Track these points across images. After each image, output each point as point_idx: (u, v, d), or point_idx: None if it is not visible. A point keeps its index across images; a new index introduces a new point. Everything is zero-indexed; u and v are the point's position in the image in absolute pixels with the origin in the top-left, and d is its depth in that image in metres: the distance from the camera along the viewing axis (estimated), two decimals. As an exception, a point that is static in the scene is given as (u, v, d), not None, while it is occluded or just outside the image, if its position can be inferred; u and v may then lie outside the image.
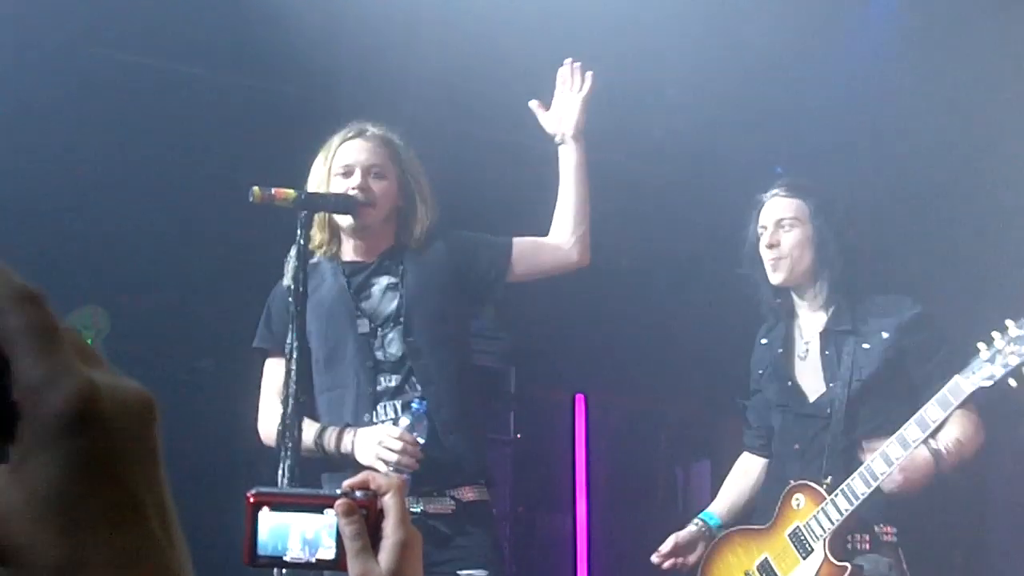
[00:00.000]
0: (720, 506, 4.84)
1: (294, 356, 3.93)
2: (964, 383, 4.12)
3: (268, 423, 4.33)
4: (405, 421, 4.08)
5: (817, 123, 5.88)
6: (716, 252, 6.26)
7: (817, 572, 4.34)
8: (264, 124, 5.83)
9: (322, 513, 1.63)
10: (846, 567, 4.29)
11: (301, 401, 3.90)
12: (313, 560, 1.63)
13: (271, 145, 5.65)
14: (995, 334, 4.12)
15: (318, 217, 4.31)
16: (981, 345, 4.13)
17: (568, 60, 4.53)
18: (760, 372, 4.78)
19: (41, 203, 5.66)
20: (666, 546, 4.74)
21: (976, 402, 4.27)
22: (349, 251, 4.45)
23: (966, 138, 5.63)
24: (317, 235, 4.40)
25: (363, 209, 4.26)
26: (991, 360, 4.10)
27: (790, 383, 4.61)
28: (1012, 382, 4.08)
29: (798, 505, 4.42)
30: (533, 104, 4.53)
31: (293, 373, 3.93)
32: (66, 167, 5.70)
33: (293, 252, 4.06)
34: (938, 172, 5.74)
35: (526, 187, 5.72)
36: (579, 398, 6.49)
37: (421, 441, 4.04)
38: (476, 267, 4.42)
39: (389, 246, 4.42)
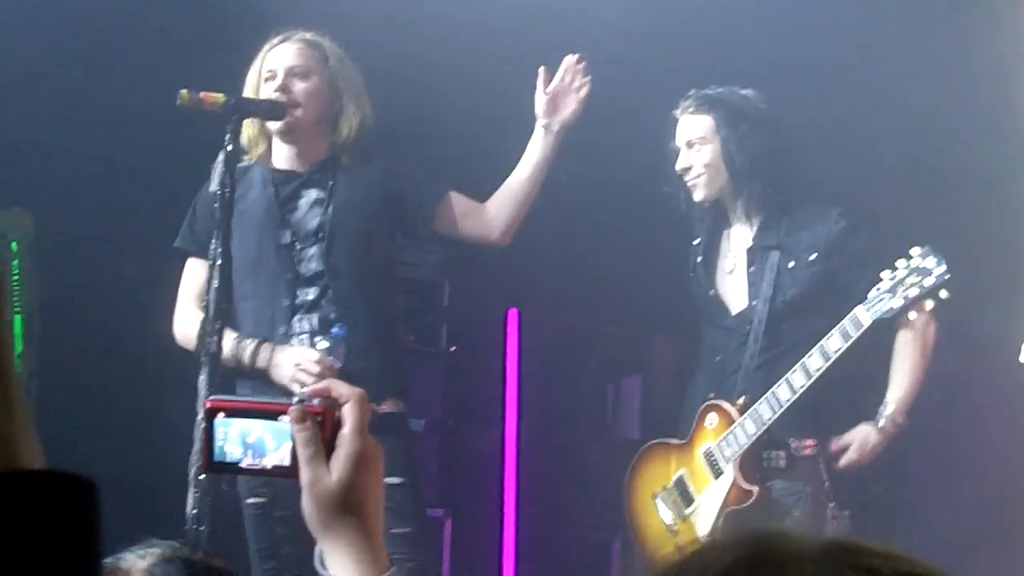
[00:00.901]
0: None
1: (217, 262, 3.90)
2: (863, 315, 4.15)
3: (185, 325, 4.30)
4: (324, 344, 4.06)
5: (754, 32, 5.85)
6: (650, 167, 6.24)
7: (727, 493, 4.38)
8: (197, 28, 5.72)
9: (277, 420, 1.61)
10: (752, 491, 4.32)
11: (223, 308, 3.88)
12: (268, 467, 1.61)
13: (204, 49, 5.55)
14: (899, 262, 4.12)
15: (248, 120, 4.26)
16: (884, 274, 4.12)
17: (575, 57, 4.46)
18: (691, 275, 4.78)
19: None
20: None
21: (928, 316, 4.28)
22: (281, 158, 4.40)
23: (906, 56, 5.61)
24: (246, 138, 4.35)
25: (287, 111, 4.22)
26: (892, 291, 4.12)
27: (711, 292, 4.62)
28: (912, 315, 4.08)
29: (711, 424, 4.47)
30: (541, 72, 4.46)
31: (216, 279, 3.90)
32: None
33: (221, 157, 4.02)
34: (873, 85, 5.73)
35: (476, 116, 5.69)
36: (512, 312, 6.47)
37: (338, 365, 4.02)
38: (405, 204, 4.37)
39: (322, 158, 4.36)
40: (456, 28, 5.78)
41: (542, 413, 6.62)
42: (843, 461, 4.35)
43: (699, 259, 4.67)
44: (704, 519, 4.41)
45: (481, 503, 6.39)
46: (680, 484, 4.53)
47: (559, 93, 4.46)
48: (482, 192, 4.80)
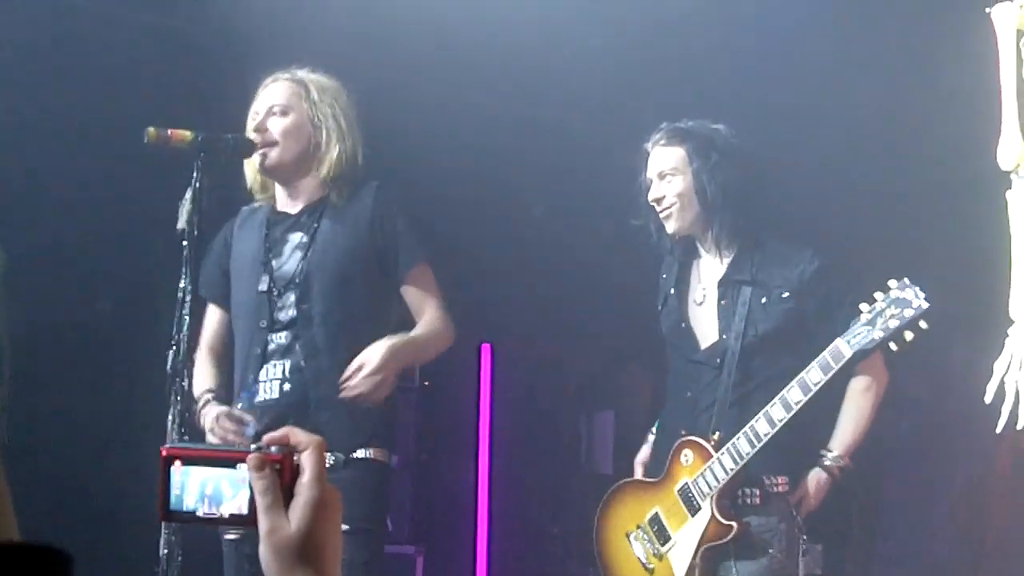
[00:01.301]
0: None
1: (186, 301, 3.90)
2: (844, 347, 4.15)
3: (196, 372, 4.27)
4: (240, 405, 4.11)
5: (727, 71, 5.88)
6: (622, 201, 6.27)
7: (704, 529, 4.36)
8: (173, 65, 5.74)
9: (235, 468, 1.61)
10: (732, 526, 4.32)
11: (190, 347, 3.88)
12: (226, 515, 1.61)
13: (177, 87, 5.57)
14: (877, 295, 4.14)
15: (248, 161, 4.32)
16: (863, 306, 4.15)
17: None
18: (660, 307, 4.79)
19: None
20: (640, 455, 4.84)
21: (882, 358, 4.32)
22: (281, 199, 4.41)
23: (873, 90, 5.65)
24: (251, 179, 4.40)
25: (266, 150, 4.24)
26: (871, 323, 4.13)
27: (683, 325, 4.63)
28: (892, 346, 4.11)
29: (687, 461, 4.44)
30: None
31: (186, 320, 3.90)
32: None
33: (188, 195, 4.00)
34: (843, 121, 5.77)
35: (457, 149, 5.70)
36: (485, 347, 6.48)
37: (248, 424, 4.01)
38: (385, 257, 4.34)
39: (316, 199, 4.35)
40: (434, 60, 5.80)
41: (515, 448, 6.62)
42: (803, 511, 4.38)
43: (671, 290, 4.67)
44: (681, 556, 4.40)
45: (453, 539, 6.38)
46: (655, 521, 4.51)
47: None
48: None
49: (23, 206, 5.84)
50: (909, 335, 4.11)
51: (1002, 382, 3.03)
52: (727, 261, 4.59)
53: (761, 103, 5.68)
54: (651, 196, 4.62)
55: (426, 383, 6.41)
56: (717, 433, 4.37)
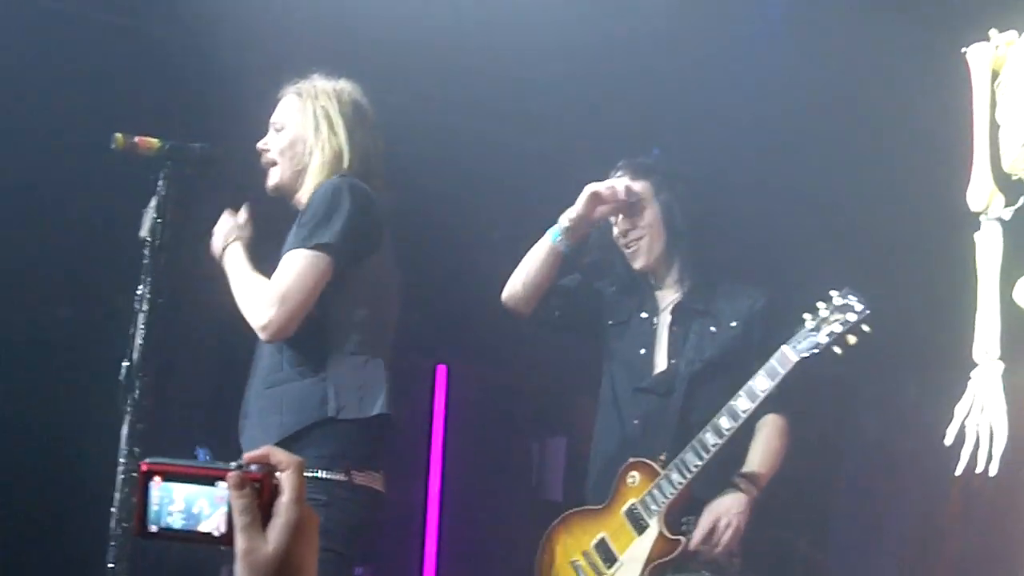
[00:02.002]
0: None
1: (143, 310, 3.86)
2: (790, 353, 4.21)
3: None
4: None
5: (696, 107, 5.91)
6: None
7: (652, 546, 4.37)
8: (137, 69, 5.70)
9: (214, 485, 1.59)
10: (679, 540, 4.34)
11: (147, 358, 3.84)
12: (203, 533, 1.59)
13: (145, 92, 5.53)
14: (820, 304, 4.22)
15: None
16: (807, 315, 4.22)
17: None
18: (611, 323, 4.78)
19: None
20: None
21: (782, 404, 4.35)
22: None
23: (843, 127, 5.69)
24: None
25: (269, 169, 4.22)
26: (816, 330, 4.21)
27: (643, 351, 4.64)
28: (837, 350, 4.20)
29: (633, 482, 4.46)
30: None
31: (141, 329, 3.86)
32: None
33: (152, 203, 3.98)
34: (812, 157, 5.80)
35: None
36: (440, 368, 6.47)
37: None
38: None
39: None
40: (398, 78, 5.79)
41: (466, 470, 6.60)
42: (723, 536, 4.37)
43: (643, 314, 4.69)
44: (627, 571, 4.39)
45: (401, 560, 6.36)
46: (601, 546, 4.50)
47: None
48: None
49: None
50: (852, 339, 4.17)
51: (962, 425, 3.05)
52: (683, 291, 4.62)
53: (728, 135, 5.70)
54: (617, 230, 4.63)
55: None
56: (664, 454, 4.39)
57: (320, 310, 3.99)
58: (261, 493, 1.57)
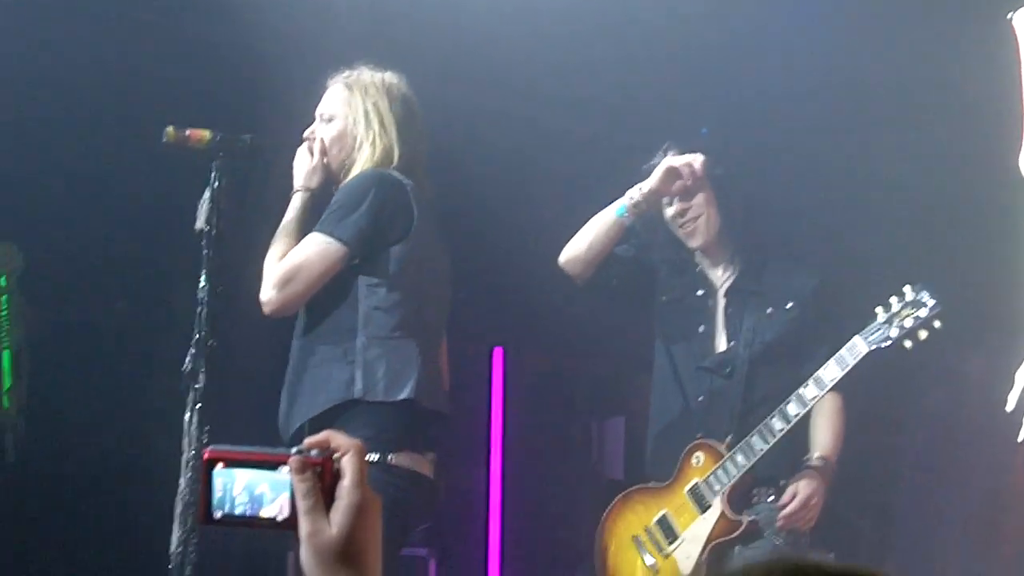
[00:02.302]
0: None
1: (205, 301, 3.91)
2: (861, 344, 4.28)
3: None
4: None
5: (742, 86, 5.87)
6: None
7: (714, 526, 4.44)
8: (188, 63, 5.74)
9: (276, 470, 1.61)
10: (741, 521, 4.42)
11: (211, 345, 3.89)
12: (267, 518, 1.61)
13: (197, 85, 5.57)
14: (892, 298, 4.26)
15: None
16: (879, 309, 4.26)
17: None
18: (665, 299, 4.79)
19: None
20: None
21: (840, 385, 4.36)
22: None
23: (891, 98, 5.64)
24: None
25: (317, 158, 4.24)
26: (888, 323, 4.26)
27: (701, 329, 4.67)
28: (907, 344, 4.21)
29: (698, 462, 4.51)
30: None
31: (204, 319, 3.91)
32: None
33: (207, 195, 4.03)
34: (860, 128, 5.76)
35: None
36: (497, 351, 6.48)
37: None
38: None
39: None
40: (448, 63, 5.80)
41: (527, 452, 6.62)
42: (800, 517, 4.40)
43: (700, 292, 4.70)
44: (688, 554, 4.46)
45: (465, 542, 6.37)
46: (663, 522, 4.55)
47: None
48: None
49: (41, 207, 5.85)
50: (924, 334, 4.23)
51: (1024, 392, 3.03)
52: (736, 271, 4.62)
53: (774, 110, 5.67)
54: (674, 210, 4.63)
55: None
56: (729, 436, 4.45)
57: (351, 294, 4.04)
58: (323, 477, 1.59)
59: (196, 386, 3.89)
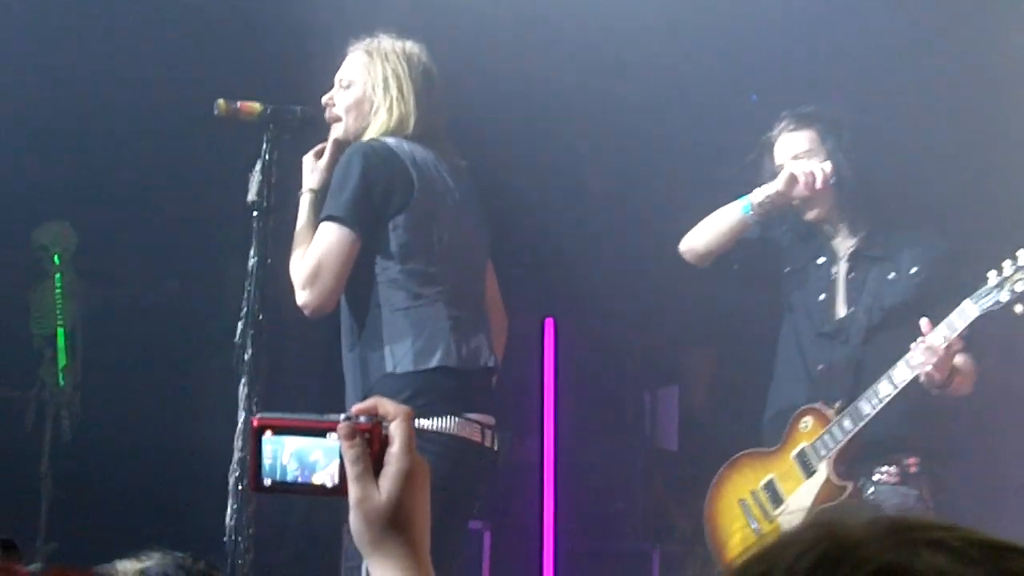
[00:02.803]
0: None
1: (256, 273, 3.92)
2: (970, 307, 4.22)
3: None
4: None
5: (806, 46, 5.82)
6: (692, 177, 6.22)
7: (819, 491, 4.45)
8: (234, 38, 5.74)
9: (325, 437, 1.61)
10: (846, 486, 4.41)
11: (260, 319, 3.90)
12: (317, 485, 1.61)
13: (247, 58, 5.58)
14: (1005, 262, 4.20)
15: None
16: (991, 273, 4.21)
17: None
18: (787, 270, 4.79)
19: (6, 119, 5.59)
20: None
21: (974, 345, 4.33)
22: None
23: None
24: None
25: (334, 125, 4.22)
26: (999, 286, 4.21)
27: (822, 297, 4.67)
28: (1018, 308, 4.18)
29: (805, 427, 4.51)
30: None
31: (255, 291, 3.92)
32: (32, 82, 5.63)
33: (258, 167, 4.03)
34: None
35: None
36: (548, 322, 6.47)
37: None
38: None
39: None
40: (494, 33, 5.78)
41: (580, 423, 6.61)
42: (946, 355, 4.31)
43: (818, 261, 4.70)
44: (793, 519, 4.27)
45: (520, 514, 6.38)
46: (770, 487, 4.59)
47: None
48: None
49: (92, 185, 5.89)
50: None
51: None
52: (859, 237, 4.63)
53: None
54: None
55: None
56: (838, 403, 4.45)
57: (364, 275, 4.03)
58: (371, 443, 1.58)
59: (247, 359, 3.90)
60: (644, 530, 6.70)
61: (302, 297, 4.01)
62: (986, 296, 4.20)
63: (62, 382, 6.08)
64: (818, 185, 4.55)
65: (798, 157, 4.61)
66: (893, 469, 4.44)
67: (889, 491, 4.43)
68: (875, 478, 4.43)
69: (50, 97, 5.65)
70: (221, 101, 4.03)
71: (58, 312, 6.09)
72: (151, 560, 2.04)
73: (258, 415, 1.64)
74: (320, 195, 4.16)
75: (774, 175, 4.66)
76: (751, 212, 4.66)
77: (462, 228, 4.21)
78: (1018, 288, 4.16)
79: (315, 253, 3.99)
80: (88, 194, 5.91)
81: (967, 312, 4.21)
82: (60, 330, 6.09)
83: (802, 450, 4.50)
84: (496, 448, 4.09)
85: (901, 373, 4.28)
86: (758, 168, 4.73)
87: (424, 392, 3.94)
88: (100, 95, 5.69)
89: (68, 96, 5.64)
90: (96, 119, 5.71)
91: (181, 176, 5.86)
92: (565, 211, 6.24)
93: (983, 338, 4.38)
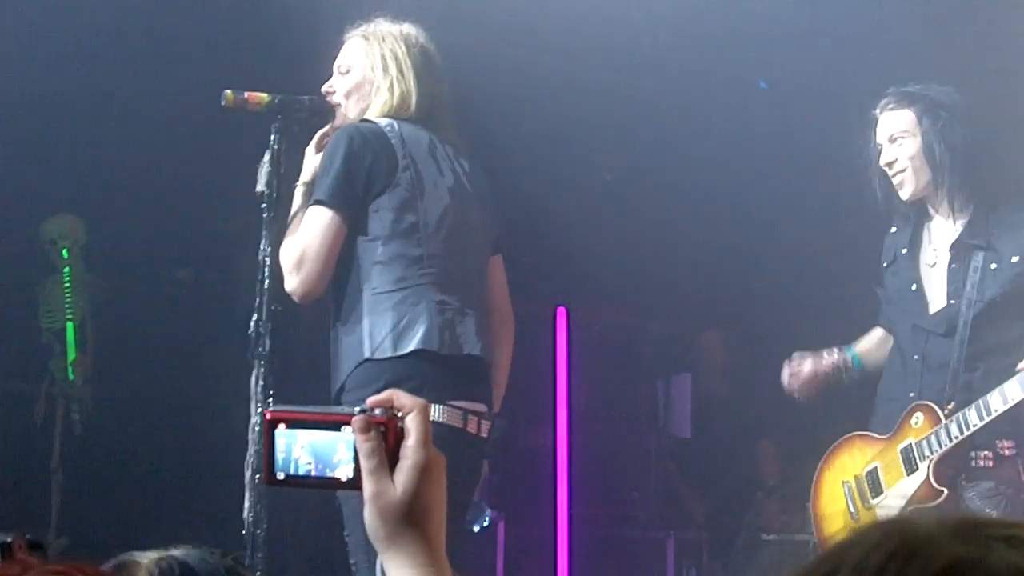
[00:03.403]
0: (863, 349, 4.85)
1: (267, 263, 3.89)
2: None
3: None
4: None
5: (809, 31, 5.79)
6: (699, 168, 6.21)
7: (916, 490, 4.41)
8: (241, 29, 5.72)
9: (339, 431, 1.58)
10: (942, 492, 4.34)
11: (273, 309, 3.88)
12: (331, 478, 1.59)
13: (253, 50, 5.55)
14: None
15: None
16: None
17: None
18: (885, 264, 4.76)
19: (14, 112, 5.57)
20: (804, 368, 4.78)
21: None
22: None
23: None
24: None
25: (335, 110, 4.18)
26: None
27: (914, 287, 4.61)
28: None
29: (916, 423, 4.45)
30: None
31: (267, 282, 3.89)
32: (38, 75, 5.61)
33: (267, 157, 4.00)
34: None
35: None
36: (560, 311, 6.46)
37: None
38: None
39: None
40: (504, 23, 5.75)
41: (593, 411, 6.60)
42: None
43: (904, 251, 4.65)
44: (888, 511, 4.48)
45: (534, 503, 6.37)
46: (872, 475, 4.57)
47: None
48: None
49: (101, 178, 5.87)
50: None
51: None
52: (960, 224, 4.53)
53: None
54: (883, 160, 4.59)
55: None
56: (952, 403, 4.36)
57: (347, 257, 3.98)
58: (386, 437, 1.56)
59: (261, 350, 3.88)
60: (658, 517, 6.69)
61: (290, 283, 3.94)
62: None
63: (72, 376, 6.06)
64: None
65: (894, 138, 4.56)
66: (988, 453, 4.35)
67: (985, 490, 4.36)
68: (972, 464, 4.36)
69: (57, 90, 5.62)
70: (229, 92, 4.00)
71: (67, 306, 6.07)
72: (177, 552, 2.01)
73: (271, 408, 1.62)
74: (312, 185, 4.13)
75: (878, 151, 4.60)
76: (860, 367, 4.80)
77: (458, 213, 4.14)
78: None
79: (300, 239, 3.92)
80: (96, 187, 5.88)
81: None
82: (69, 324, 6.07)
83: (908, 445, 4.45)
84: (485, 436, 4.02)
85: (1013, 391, 4.19)
86: (865, 142, 4.64)
87: (406, 379, 3.88)
88: (107, 86, 5.66)
89: (75, 88, 5.61)
90: (103, 110, 5.68)
91: (190, 168, 5.84)
92: (577, 201, 6.22)
93: None
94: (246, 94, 4.01)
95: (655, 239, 6.47)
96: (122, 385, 5.96)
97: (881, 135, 4.59)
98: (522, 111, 5.86)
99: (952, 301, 4.47)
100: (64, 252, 6.09)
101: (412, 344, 3.90)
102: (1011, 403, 4.17)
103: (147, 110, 5.68)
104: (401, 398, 1.59)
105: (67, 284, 6.07)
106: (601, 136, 6.45)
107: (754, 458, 6.47)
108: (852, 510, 4.61)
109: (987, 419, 4.22)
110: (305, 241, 3.92)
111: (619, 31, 5.99)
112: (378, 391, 3.82)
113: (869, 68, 5.54)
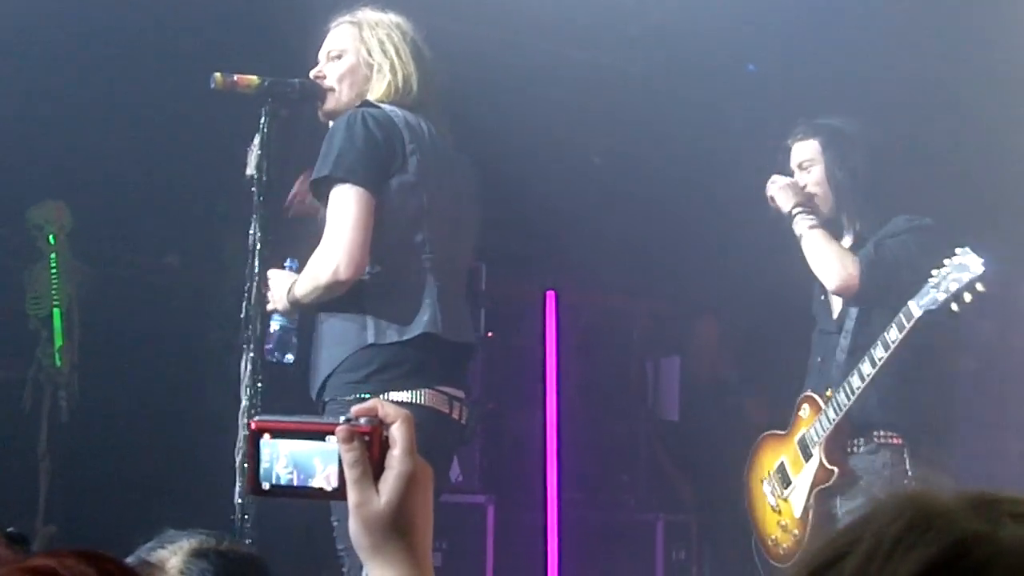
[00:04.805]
0: None
1: (256, 248, 3.89)
2: (913, 307, 4.40)
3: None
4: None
5: (798, 19, 5.81)
6: (687, 151, 6.22)
7: (815, 474, 4.75)
8: (236, 11, 5.70)
9: (324, 440, 1.57)
10: (833, 470, 4.68)
11: (262, 293, 3.88)
12: (315, 488, 1.58)
13: (241, 33, 5.54)
14: (947, 260, 4.34)
15: None
16: (934, 271, 4.35)
17: None
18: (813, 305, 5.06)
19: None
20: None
21: None
22: None
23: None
24: None
25: (326, 94, 4.16)
26: (936, 287, 4.34)
27: (822, 298, 4.94)
28: (954, 307, 4.31)
29: (804, 414, 4.85)
30: None
31: (256, 266, 3.89)
32: (25, 59, 5.59)
33: (256, 141, 3.99)
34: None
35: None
36: (550, 295, 6.45)
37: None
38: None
39: None
40: (493, 8, 5.74)
41: (582, 395, 6.61)
42: None
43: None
44: (798, 499, 4.80)
45: (523, 487, 6.37)
46: (781, 469, 4.91)
47: None
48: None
49: (87, 163, 5.84)
50: (968, 297, 4.29)
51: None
52: (858, 237, 4.82)
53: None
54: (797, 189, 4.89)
55: (488, 334, 6.38)
56: (829, 390, 4.71)
57: None
58: (371, 446, 1.55)
59: (251, 335, 3.87)
60: (647, 501, 6.71)
61: (342, 274, 3.89)
62: (926, 295, 4.34)
63: (59, 362, 6.04)
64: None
65: (802, 165, 4.89)
66: (861, 440, 4.67)
67: (860, 460, 4.66)
68: (849, 451, 4.68)
69: (44, 74, 5.60)
70: (218, 74, 3.98)
71: (54, 292, 6.05)
72: (183, 553, 2.01)
73: (256, 418, 1.62)
74: None
75: (791, 175, 4.92)
76: None
77: (453, 201, 4.15)
78: (951, 288, 4.29)
79: (339, 223, 3.89)
80: (83, 171, 5.86)
81: (911, 312, 4.38)
82: (56, 310, 6.04)
83: (802, 436, 4.80)
84: (464, 422, 4.03)
85: (866, 368, 4.48)
86: (782, 169, 4.94)
87: (398, 363, 3.89)
88: (94, 70, 5.64)
89: (62, 72, 5.59)
90: (90, 95, 5.66)
91: (178, 151, 5.82)
92: (566, 185, 6.22)
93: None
94: (235, 77, 4.00)
95: (644, 223, 6.48)
96: (109, 371, 5.94)
97: (792, 163, 4.95)
98: (510, 95, 5.85)
99: (845, 304, 4.81)
100: (50, 238, 6.07)
101: (419, 328, 3.91)
102: (866, 380, 4.49)
103: (134, 94, 5.66)
104: (385, 408, 1.58)
105: (54, 270, 6.05)
106: (590, 120, 6.45)
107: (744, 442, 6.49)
108: (773, 504, 4.96)
109: (852, 398, 4.54)
110: (339, 225, 3.88)
111: (607, 15, 5.99)
112: (368, 376, 3.84)
113: (858, 54, 5.60)
